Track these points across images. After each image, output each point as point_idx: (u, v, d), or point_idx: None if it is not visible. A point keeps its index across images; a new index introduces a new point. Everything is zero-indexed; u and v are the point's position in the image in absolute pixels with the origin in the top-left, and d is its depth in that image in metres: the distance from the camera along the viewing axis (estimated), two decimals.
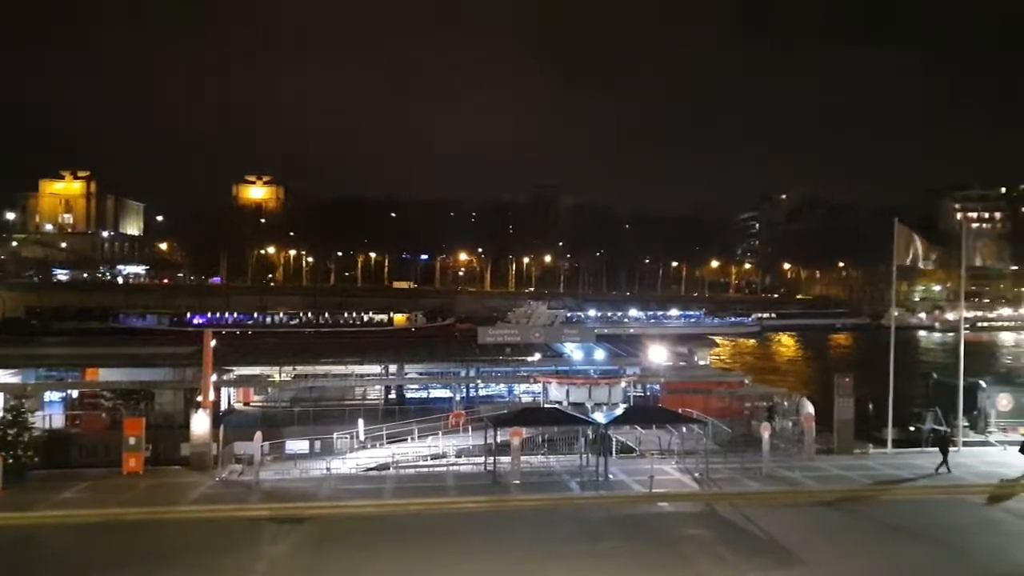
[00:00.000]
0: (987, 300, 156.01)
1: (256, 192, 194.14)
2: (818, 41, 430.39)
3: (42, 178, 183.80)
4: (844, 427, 32.05)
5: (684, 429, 31.67)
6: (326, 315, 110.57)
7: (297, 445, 33.00)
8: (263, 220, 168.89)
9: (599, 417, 33.35)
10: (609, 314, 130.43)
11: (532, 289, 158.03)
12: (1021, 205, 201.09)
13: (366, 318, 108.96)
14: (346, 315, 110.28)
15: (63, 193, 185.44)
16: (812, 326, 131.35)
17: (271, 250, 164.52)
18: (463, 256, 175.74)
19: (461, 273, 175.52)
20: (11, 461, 26.39)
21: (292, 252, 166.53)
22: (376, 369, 43.71)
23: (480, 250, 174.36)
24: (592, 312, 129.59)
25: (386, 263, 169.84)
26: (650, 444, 32.57)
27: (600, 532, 22.56)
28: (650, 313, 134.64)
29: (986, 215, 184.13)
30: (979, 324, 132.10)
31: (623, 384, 38.80)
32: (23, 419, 27.99)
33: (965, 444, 32.66)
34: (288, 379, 40.47)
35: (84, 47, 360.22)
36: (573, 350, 46.22)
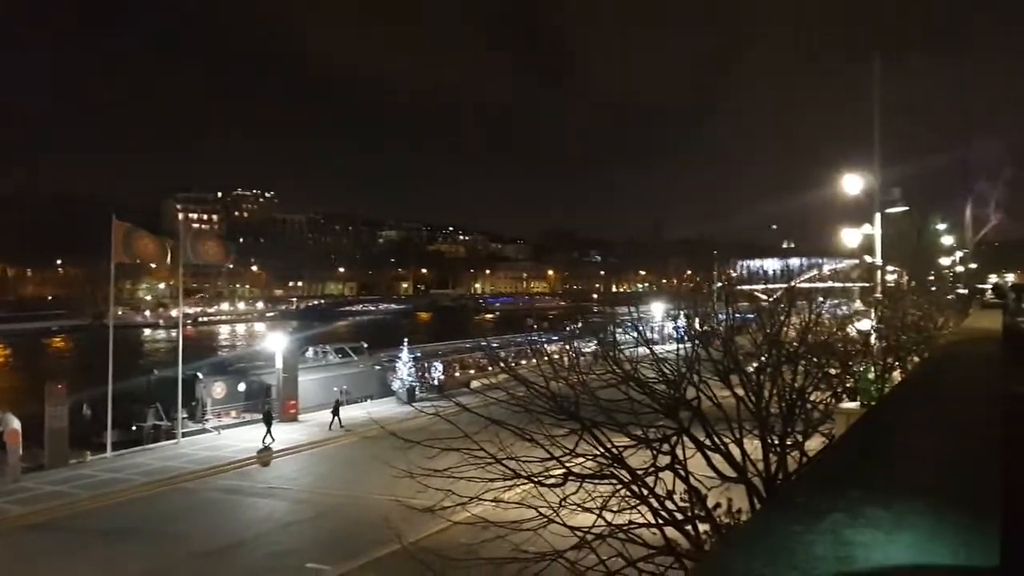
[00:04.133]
0: (208, 296, 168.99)
1: None
2: None
3: None
4: (57, 437, 29.54)
5: None
6: None
7: None
8: None
9: None
10: None
11: None
12: (234, 208, 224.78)
13: None
14: None
15: None
16: (21, 331, 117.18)
17: None
18: None
19: None
20: None
21: None
22: None
23: None
24: None
25: None
26: None
27: None
28: None
29: (205, 216, 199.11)
30: (200, 319, 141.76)
31: None
32: None
33: (185, 434, 34.04)
34: None
35: None
36: None
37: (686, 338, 13.35)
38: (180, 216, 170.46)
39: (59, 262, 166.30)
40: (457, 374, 46.61)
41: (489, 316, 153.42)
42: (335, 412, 36.34)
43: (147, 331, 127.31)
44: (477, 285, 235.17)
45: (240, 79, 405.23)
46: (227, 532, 22.09)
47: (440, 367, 46.06)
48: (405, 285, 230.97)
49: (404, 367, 43.03)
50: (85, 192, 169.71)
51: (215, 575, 18.87)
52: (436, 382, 44.54)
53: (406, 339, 45.35)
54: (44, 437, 29.39)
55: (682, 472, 10.01)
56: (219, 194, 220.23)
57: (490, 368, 44.14)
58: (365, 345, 49.08)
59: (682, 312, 15.75)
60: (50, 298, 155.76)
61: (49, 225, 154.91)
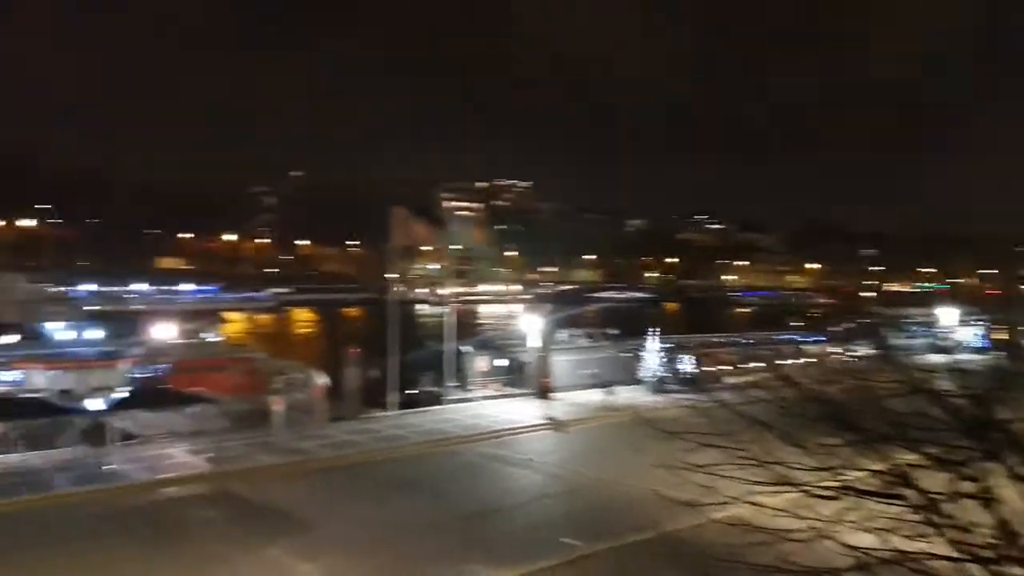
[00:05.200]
0: (471, 277, 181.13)
1: None
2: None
3: None
4: (352, 395, 34.24)
5: (194, 409, 30.22)
6: None
7: None
8: None
9: (95, 403, 29.89)
10: (109, 289, 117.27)
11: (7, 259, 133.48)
12: (495, 197, 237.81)
13: None
14: None
15: None
16: (326, 301, 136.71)
17: None
18: None
19: None
20: None
21: None
22: None
23: None
24: (88, 287, 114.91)
25: None
26: (157, 428, 30.34)
27: (96, 528, 20.30)
28: (158, 287, 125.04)
29: (469, 204, 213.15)
30: (464, 299, 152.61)
31: (123, 365, 35.30)
32: None
33: (452, 401, 37.59)
34: None
35: None
36: (60, 330, 40.46)
37: (993, 348, 12.00)
38: (447, 204, 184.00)
39: (352, 242, 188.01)
40: (709, 368, 46.17)
41: (742, 310, 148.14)
42: (606, 391, 37.94)
43: (421, 307, 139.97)
44: (728, 276, 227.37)
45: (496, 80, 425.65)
46: (488, 497, 24.13)
47: (691, 359, 45.91)
48: (651, 274, 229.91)
49: (653, 356, 43.53)
50: (367, 183, 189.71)
51: (481, 535, 20.52)
52: (686, 374, 44.50)
53: (654, 328, 45.72)
54: (341, 393, 34.22)
55: (991, 502, 8.73)
56: (481, 184, 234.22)
57: (746, 364, 43.30)
58: (614, 331, 50.29)
59: (985, 318, 14.27)
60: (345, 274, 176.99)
61: (344, 210, 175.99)
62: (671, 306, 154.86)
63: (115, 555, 18.53)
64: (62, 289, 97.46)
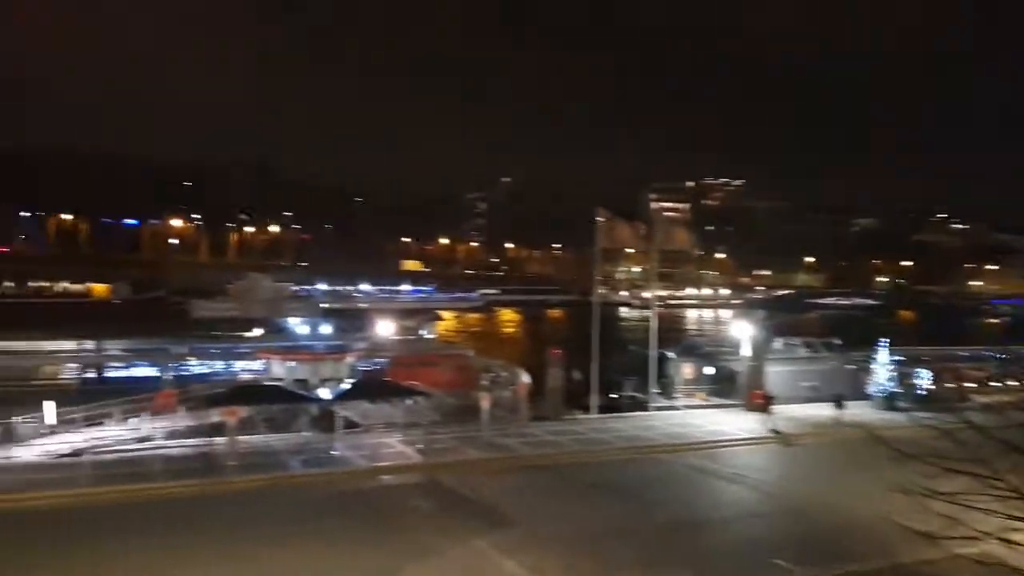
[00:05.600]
0: (676, 281, 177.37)
1: None
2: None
3: None
4: (554, 395, 34.53)
5: (409, 401, 31.96)
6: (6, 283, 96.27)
7: None
8: None
9: (325, 393, 32.55)
10: (339, 288, 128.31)
11: (256, 262, 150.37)
12: (703, 197, 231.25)
13: (58, 288, 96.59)
14: (32, 284, 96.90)
15: None
16: (530, 302, 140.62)
17: None
18: (176, 223, 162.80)
19: (175, 242, 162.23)
20: None
21: None
22: (70, 345, 38.75)
23: (196, 217, 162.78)
24: (321, 286, 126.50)
25: (82, 228, 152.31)
26: (376, 418, 32.46)
27: (321, 509, 22.00)
28: (381, 288, 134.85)
29: (675, 205, 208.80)
30: (669, 302, 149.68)
31: (349, 359, 38.19)
32: None
33: (656, 408, 36.71)
34: None
35: None
36: (298, 325, 44.64)
37: None
38: (653, 205, 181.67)
39: (555, 245, 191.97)
40: (950, 384, 41.39)
41: (994, 320, 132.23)
42: (833, 406, 35.23)
43: (623, 310, 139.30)
44: (975, 282, 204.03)
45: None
46: (694, 509, 23.20)
47: (928, 374, 41.42)
48: (882, 279, 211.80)
49: (883, 370, 39.84)
50: (572, 184, 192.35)
51: (685, 547, 19.79)
52: (922, 391, 40.18)
53: (885, 339, 41.80)
54: (545, 393, 34.64)
55: None
56: (689, 183, 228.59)
57: (998, 382, 38.38)
58: (837, 341, 46.66)
59: None
60: (548, 276, 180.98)
61: (549, 212, 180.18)
62: (905, 314, 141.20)
63: (336, 536, 19.92)
64: (301, 288, 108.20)
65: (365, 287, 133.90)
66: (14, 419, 29.13)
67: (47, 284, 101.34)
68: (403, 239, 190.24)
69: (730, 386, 39.50)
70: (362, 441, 29.13)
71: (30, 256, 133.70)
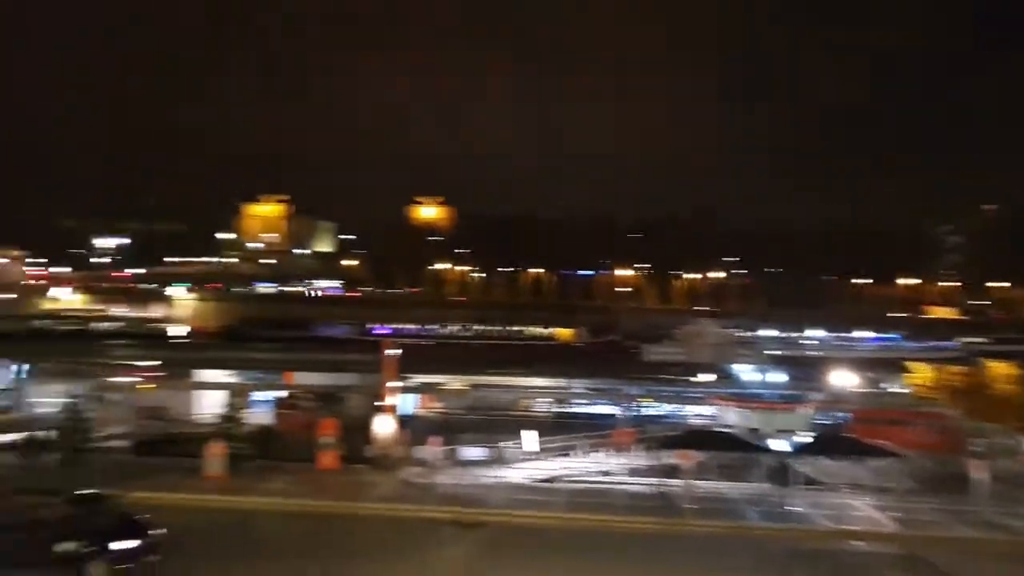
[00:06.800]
0: None
1: (427, 211, 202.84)
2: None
3: (243, 201, 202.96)
4: None
5: (878, 462, 28.81)
6: (493, 328, 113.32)
7: (470, 451, 33.28)
8: (436, 238, 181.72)
9: (780, 444, 31.21)
10: (786, 335, 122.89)
11: (699, 307, 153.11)
12: None
13: (529, 332, 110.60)
14: (509, 328, 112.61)
15: (264, 215, 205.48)
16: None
17: (443, 266, 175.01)
18: (624, 272, 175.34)
19: (628, 290, 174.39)
20: (232, 452, 28.62)
21: (462, 267, 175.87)
22: (543, 382, 43.62)
23: (645, 266, 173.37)
24: (767, 332, 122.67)
25: (549, 279, 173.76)
26: (837, 477, 29.92)
27: (783, 566, 20.82)
28: (835, 334, 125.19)
29: None
30: None
31: (804, 410, 36.14)
32: (238, 415, 31.42)
33: None
34: (463, 387, 41.35)
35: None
36: (747, 372, 43.88)
37: None
38: None
39: None
40: None
41: None
42: None
43: None
44: None
45: None
46: None
47: None
48: None
49: None
50: None
51: None
52: None
53: None
54: None
55: None
56: None
57: None
58: None
59: None
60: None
61: None
62: None
63: None
64: (747, 334, 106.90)
65: (817, 332, 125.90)
66: (502, 444, 33.55)
67: (518, 328, 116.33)
68: (853, 280, 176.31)
69: None
70: (823, 500, 27.05)
71: (503, 303, 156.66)
